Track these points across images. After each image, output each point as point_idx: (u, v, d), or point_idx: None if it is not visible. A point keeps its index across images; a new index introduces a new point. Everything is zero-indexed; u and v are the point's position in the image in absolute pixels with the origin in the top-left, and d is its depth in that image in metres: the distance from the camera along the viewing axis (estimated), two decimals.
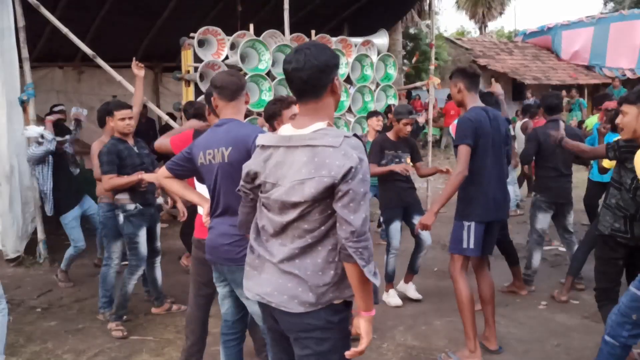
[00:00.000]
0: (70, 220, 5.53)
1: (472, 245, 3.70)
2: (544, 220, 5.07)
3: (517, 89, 17.07)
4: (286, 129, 2.07)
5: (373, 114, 6.55)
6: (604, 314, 3.47)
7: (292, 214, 1.99)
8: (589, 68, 18.69)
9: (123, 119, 4.25)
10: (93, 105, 9.50)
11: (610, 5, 27.67)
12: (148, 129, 9.04)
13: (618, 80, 15.66)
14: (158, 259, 4.69)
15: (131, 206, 4.28)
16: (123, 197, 4.30)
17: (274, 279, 2.04)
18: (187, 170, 2.89)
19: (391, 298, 4.84)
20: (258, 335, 3.54)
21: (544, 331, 4.24)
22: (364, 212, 1.90)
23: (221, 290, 2.97)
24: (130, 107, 4.42)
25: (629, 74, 17.43)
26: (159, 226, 4.68)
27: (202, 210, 2.96)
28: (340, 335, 2.05)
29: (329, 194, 1.92)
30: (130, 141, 4.37)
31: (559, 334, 4.18)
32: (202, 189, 3.04)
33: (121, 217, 4.31)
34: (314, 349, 2.02)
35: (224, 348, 3.07)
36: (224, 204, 2.75)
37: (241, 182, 2.20)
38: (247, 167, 2.15)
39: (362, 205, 1.90)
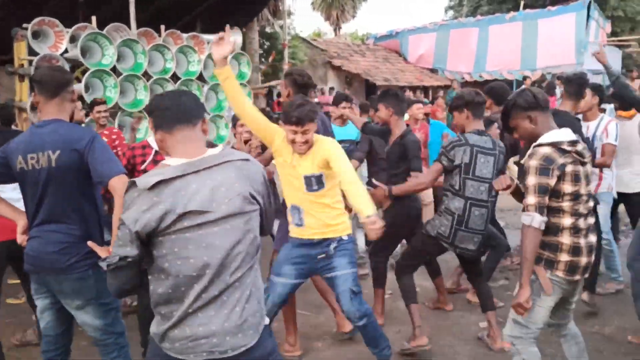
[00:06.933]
0: None
1: None
2: None
3: (369, 89, 17.96)
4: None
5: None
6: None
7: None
8: (433, 71, 20.20)
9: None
10: None
11: (451, 13, 30.10)
12: None
13: (457, 82, 17.07)
14: None
15: None
16: None
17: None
18: (1, 176, 2.61)
19: None
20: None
21: (386, 319, 4.49)
22: None
23: (41, 302, 2.71)
24: None
25: (467, 77, 19.08)
26: None
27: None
28: None
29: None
30: None
31: (400, 321, 4.46)
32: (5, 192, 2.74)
33: None
34: None
35: None
36: (49, 212, 2.53)
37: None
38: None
39: None
